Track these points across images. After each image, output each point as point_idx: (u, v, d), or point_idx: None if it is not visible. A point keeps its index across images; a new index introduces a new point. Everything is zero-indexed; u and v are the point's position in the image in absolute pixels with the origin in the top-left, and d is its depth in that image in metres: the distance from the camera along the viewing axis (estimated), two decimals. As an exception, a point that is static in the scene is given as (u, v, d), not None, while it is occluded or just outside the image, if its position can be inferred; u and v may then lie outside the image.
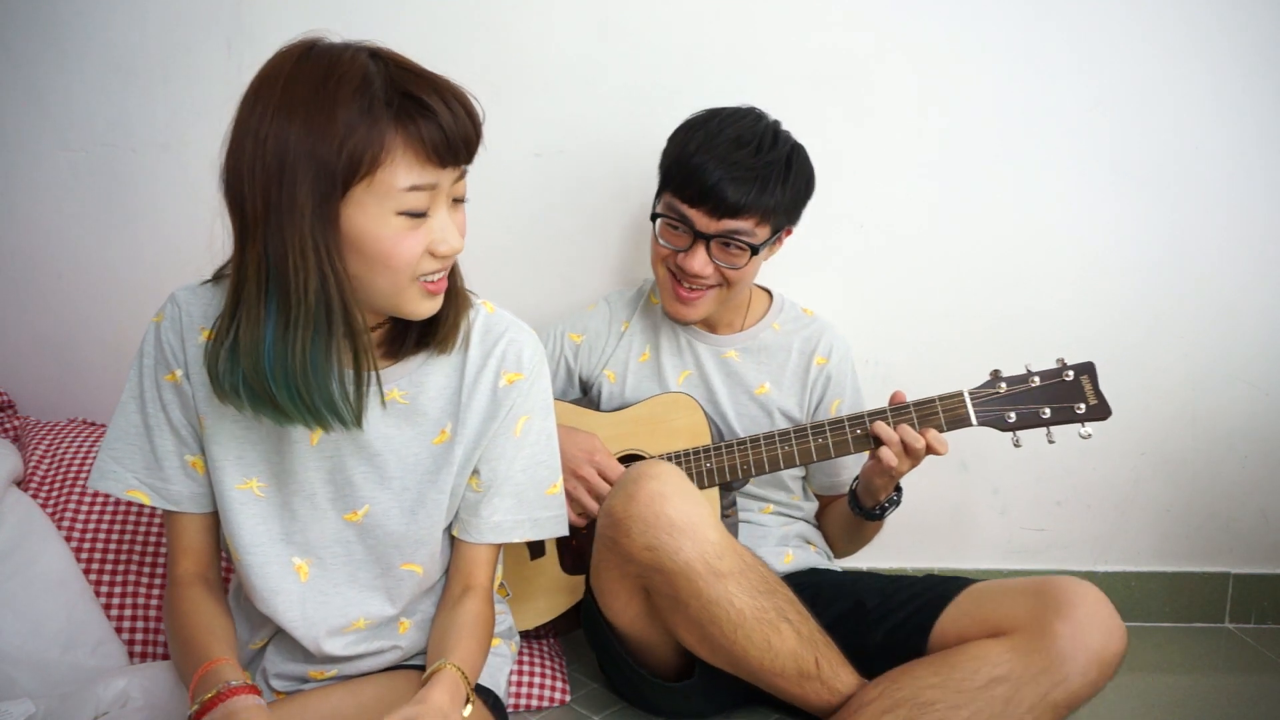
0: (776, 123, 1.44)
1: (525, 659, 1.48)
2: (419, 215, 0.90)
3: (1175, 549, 1.92)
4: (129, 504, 1.44)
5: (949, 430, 1.37)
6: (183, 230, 1.74)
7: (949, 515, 1.87)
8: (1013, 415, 1.36)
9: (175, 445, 1.03)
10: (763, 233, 1.39)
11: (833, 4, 1.71)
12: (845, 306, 1.78)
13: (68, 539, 1.39)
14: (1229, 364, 1.85)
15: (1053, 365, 1.38)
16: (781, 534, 1.52)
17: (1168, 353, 1.85)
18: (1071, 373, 1.37)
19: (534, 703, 1.45)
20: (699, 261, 1.39)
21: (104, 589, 1.37)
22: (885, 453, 1.33)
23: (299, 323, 0.88)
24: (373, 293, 0.93)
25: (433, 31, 1.69)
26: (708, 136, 1.37)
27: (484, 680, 1.17)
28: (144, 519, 1.43)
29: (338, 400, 0.92)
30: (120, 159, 1.72)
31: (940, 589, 1.28)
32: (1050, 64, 1.74)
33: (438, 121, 0.88)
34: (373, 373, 0.98)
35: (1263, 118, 1.77)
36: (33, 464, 1.49)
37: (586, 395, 1.58)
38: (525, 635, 1.51)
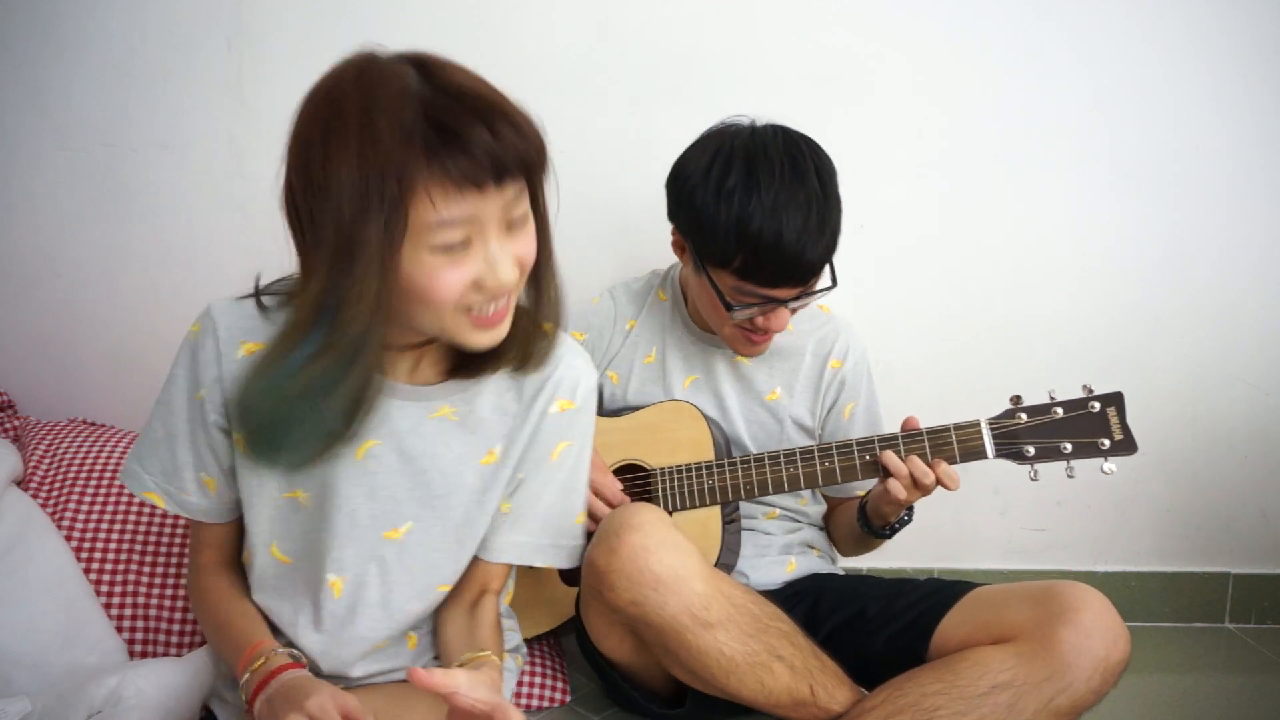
0: (793, 139, 1.32)
1: (525, 660, 1.48)
2: (455, 249, 0.84)
3: (1175, 549, 1.92)
4: (129, 505, 1.44)
5: (963, 461, 1.30)
6: (183, 230, 1.74)
7: (949, 515, 1.87)
8: (1031, 449, 1.29)
9: (193, 461, 1.01)
10: (826, 275, 1.34)
11: (832, 4, 1.71)
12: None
13: (68, 538, 1.39)
14: (1229, 364, 1.85)
15: (1078, 395, 1.30)
16: (785, 542, 1.48)
17: (1168, 353, 1.84)
18: (1098, 404, 1.30)
19: (534, 703, 1.45)
20: (782, 321, 1.34)
21: (104, 588, 1.37)
22: (893, 484, 1.27)
23: (328, 351, 0.85)
24: (421, 324, 0.90)
25: (433, 32, 1.69)
26: (769, 207, 1.25)
27: None
28: (144, 519, 1.43)
29: (308, 431, 0.89)
30: (120, 159, 1.72)
31: (942, 595, 1.27)
32: (1050, 64, 1.74)
33: (467, 147, 0.80)
34: (363, 418, 0.92)
35: (1263, 118, 1.77)
36: (33, 464, 1.49)
37: None
38: (525, 641, 1.50)
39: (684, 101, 1.74)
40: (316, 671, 1.06)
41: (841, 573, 1.52)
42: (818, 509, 1.57)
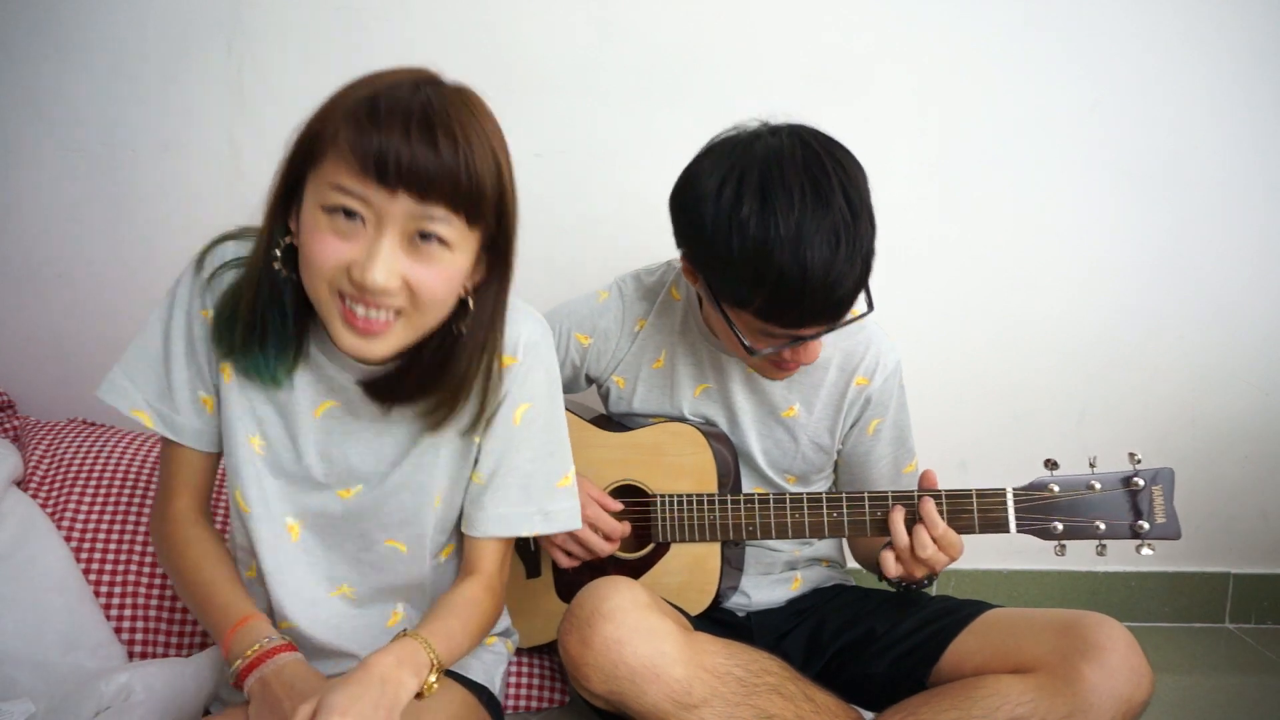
0: (814, 151, 1.13)
1: (524, 661, 1.48)
2: (349, 217, 0.86)
3: (1175, 549, 1.91)
4: (128, 505, 1.43)
5: (981, 532, 1.20)
6: (183, 230, 1.74)
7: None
8: (1060, 525, 1.17)
9: (190, 378, 1.02)
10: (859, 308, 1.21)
11: (832, 4, 1.71)
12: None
13: (67, 539, 1.39)
14: (1229, 364, 1.85)
15: (1123, 469, 1.17)
16: (792, 558, 1.41)
17: (1168, 353, 1.85)
18: (1142, 480, 1.16)
19: (533, 703, 1.45)
20: (813, 353, 1.21)
21: (104, 589, 1.37)
22: (887, 560, 1.19)
23: (250, 281, 0.94)
24: (308, 292, 0.92)
25: (433, 32, 1.69)
26: (791, 239, 1.08)
27: (479, 678, 1.15)
28: (144, 519, 1.43)
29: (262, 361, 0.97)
30: (120, 159, 1.72)
31: (953, 617, 1.23)
32: (1050, 65, 1.74)
33: (375, 139, 0.83)
34: (302, 341, 1.00)
35: (1262, 118, 1.77)
36: (32, 464, 1.49)
37: (593, 386, 1.48)
38: (523, 650, 1.48)
39: (683, 101, 1.74)
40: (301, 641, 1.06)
41: (849, 581, 1.47)
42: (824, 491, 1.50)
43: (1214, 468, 1.88)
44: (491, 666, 1.19)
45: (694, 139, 1.84)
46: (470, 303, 0.96)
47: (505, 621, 1.27)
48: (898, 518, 1.19)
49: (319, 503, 1.05)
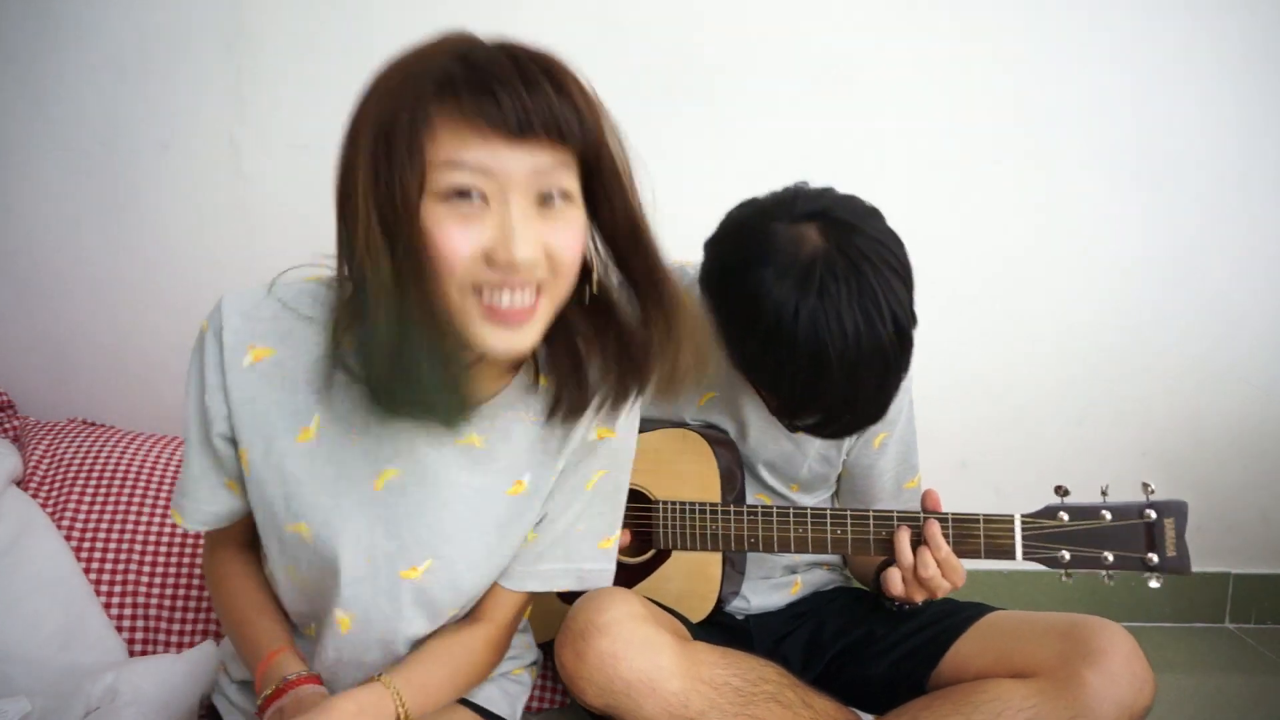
0: (866, 280, 1.08)
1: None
2: (467, 198, 0.75)
3: (1175, 549, 1.92)
4: (128, 504, 1.44)
5: (987, 558, 1.18)
6: (183, 230, 1.74)
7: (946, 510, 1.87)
8: (1067, 554, 1.15)
9: (212, 464, 0.92)
10: None
11: (833, 3, 1.71)
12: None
13: (67, 538, 1.39)
14: (1230, 364, 1.85)
15: (1135, 500, 1.15)
16: (791, 562, 1.40)
17: (1168, 353, 1.85)
18: (1155, 513, 1.13)
19: (533, 704, 1.45)
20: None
21: (104, 587, 1.37)
22: (892, 579, 1.18)
23: (378, 316, 0.76)
24: (435, 299, 0.78)
25: (431, 31, 1.69)
26: (847, 380, 1.07)
27: (503, 711, 1.11)
28: (143, 518, 1.43)
29: (429, 388, 0.78)
30: (120, 159, 1.72)
31: (953, 619, 1.23)
32: (1050, 64, 1.74)
33: (489, 87, 0.73)
34: (462, 371, 0.82)
35: (1264, 118, 1.77)
36: (32, 464, 1.49)
37: None
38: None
39: (683, 101, 1.74)
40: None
41: (850, 584, 1.46)
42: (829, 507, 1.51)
43: (1214, 468, 1.88)
44: (515, 697, 1.15)
45: (693, 139, 1.85)
46: (593, 262, 0.84)
47: (533, 653, 1.22)
48: (904, 538, 1.17)
49: (388, 586, 0.94)
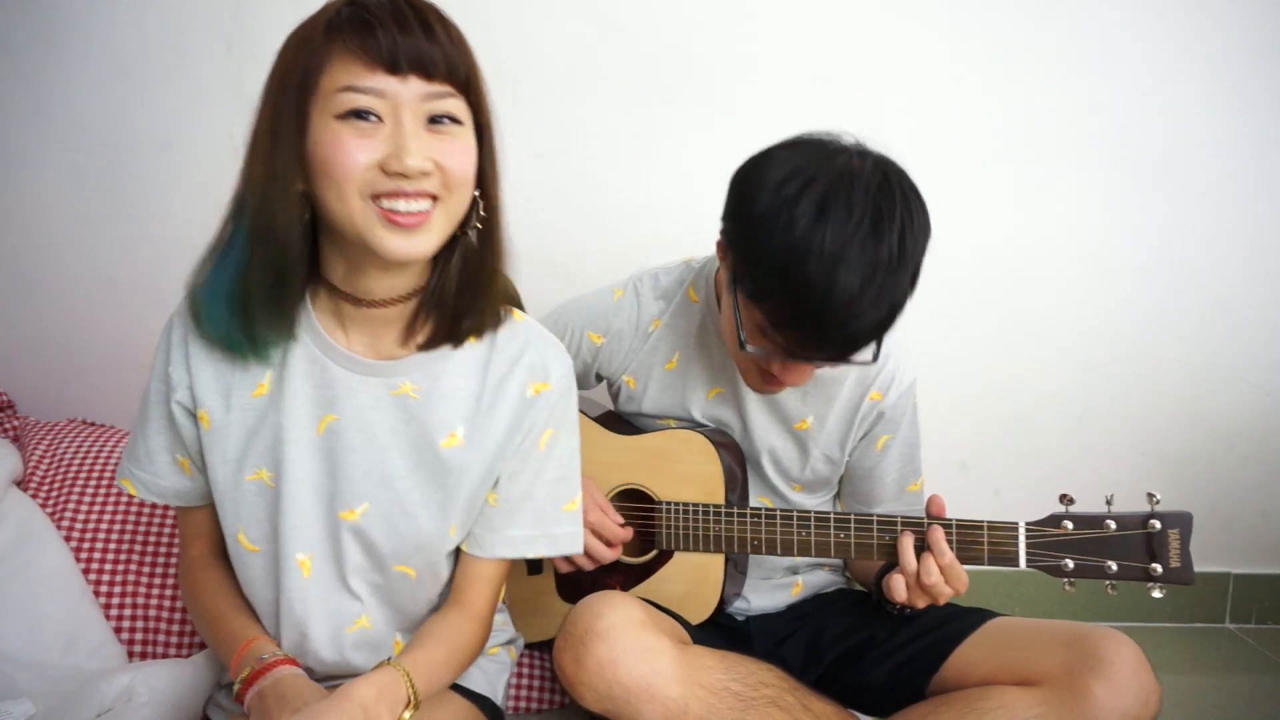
0: (890, 188, 1.10)
1: (524, 661, 1.48)
2: (363, 118, 0.85)
3: (1175, 549, 1.92)
4: (128, 505, 1.44)
5: (990, 564, 1.18)
6: (183, 230, 1.73)
7: (949, 515, 1.87)
8: (1070, 563, 1.15)
9: (168, 442, 1.02)
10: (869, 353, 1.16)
11: (832, 4, 1.71)
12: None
13: (67, 539, 1.39)
14: (1229, 364, 1.85)
15: (1140, 510, 1.14)
16: (793, 563, 1.39)
17: (1168, 352, 1.85)
18: (1159, 523, 1.13)
19: (533, 704, 1.45)
20: (801, 376, 1.18)
21: (104, 589, 1.37)
22: (898, 582, 1.16)
23: (241, 242, 0.93)
24: (334, 219, 0.89)
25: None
26: (830, 254, 1.04)
27: (482, 689, 1.14)
28: (143, 519, 1.43)
29: (262, 331, 0.93)
30: (120, 159, 1.72)
31: (953, 626, 1.22)
32: (1050, 64, 1.74)
33: (374, 31, 0.85)
34: (300, 307, 0.97)
35: (1264, 118, 1.77)
36: (32, 464, 1.49)
37: (603, 383, 1.46)
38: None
39: (683, 101, 1.74)
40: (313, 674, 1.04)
41: (851, 587, 1.46)
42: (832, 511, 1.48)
43: (1214, 468, 1.88)
44: (494, 676, 1.18)
45: (693, 139, 1.85)
46: (479, 198, 0.95)
47: (509, 631, 1.26)
48: (907, 543, 1.17)
49: (329, 527, 1.01)
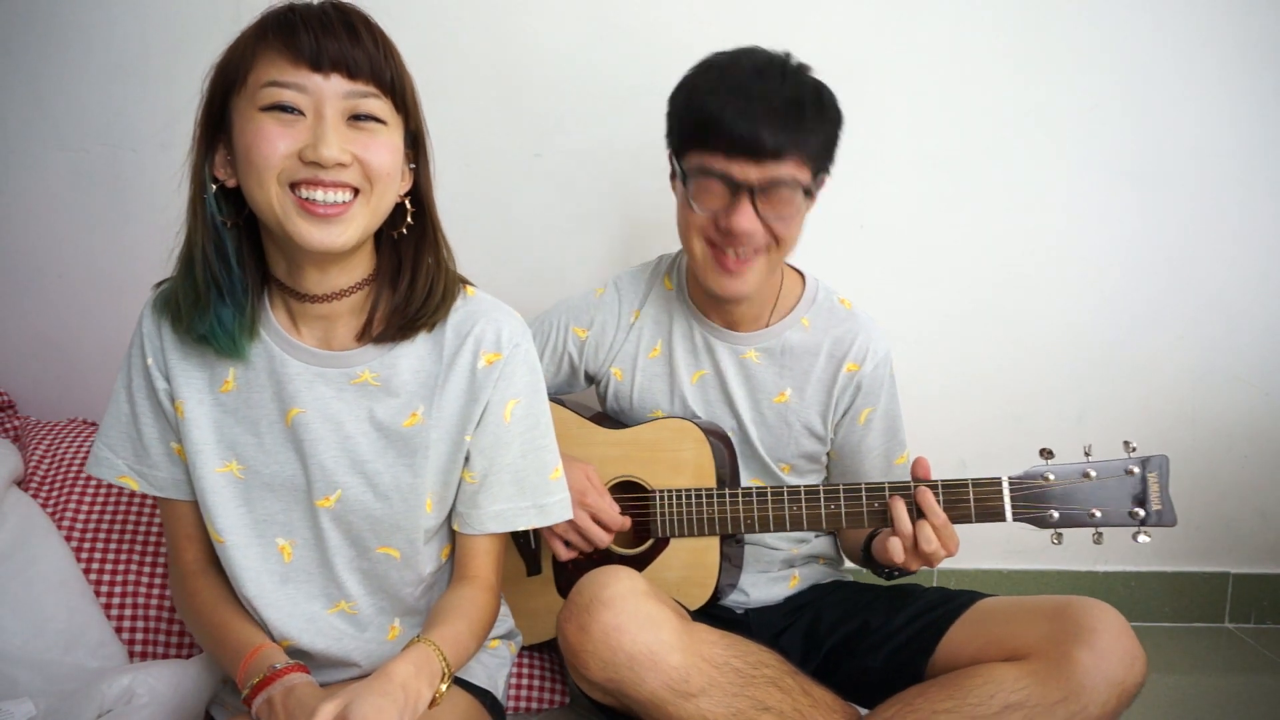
0: (787, 53, 1.26)
1: (524, 661, 1.48)
2: (287, 111, 0.90)
3: (1175, 549, 1.92)
4: (128, 504, 1.44)
5: (978, 522, 1.21)
6: (182, 230, 1.73)
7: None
8: (1056, 514, 1.17)
9: (160, 431, 1.04)
10: (805, 176, 1.22)
11: (833, 5, 1.71)
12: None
13: (67, 539, 1.39)
14: (1229, 364, 1.85)
15: (1118, 456, 1.18)
16: (789, 556, 1.42)
17: (1168, 352, 1.85)
18: (1138, 467, 1.17)
19: (533, 704, 1.45)
20: (746, 218, 1.21)
21: (104, 589, 1.37)
22: (895, 546, 1.18)
23: (194, 238, 0.98)
24: (258, 208, 0.93)
25: (432, 31, 1.69)
26: (724, 74, 1.21)
27: (482, 682, 1.15)
28: (144, 519, 1.43)
29: (222, 319, 0.97)
30: (120, 159, 1.72)
31: (946, 607, 1.24)
32: (1050, 64, 1.74)
33: (297, 31, 0.89)
34: (259, 297, 1.01)
35: (1264, 118, 1.77)
36: (33, 464, 1.49)
37: (593, 385, 1.49)
38: (521, 649, 1.48)
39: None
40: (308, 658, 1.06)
41: (846, 578, 1.48)
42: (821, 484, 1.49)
43: (1214, 467, 1.88)
44: (494, 670, 1.19)
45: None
46: (408, 205, 1.00)
47: (508, 623, 1.27)
48: (900, 506, 1.19)
49: (307, 515, 1.04)
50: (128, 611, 1.37)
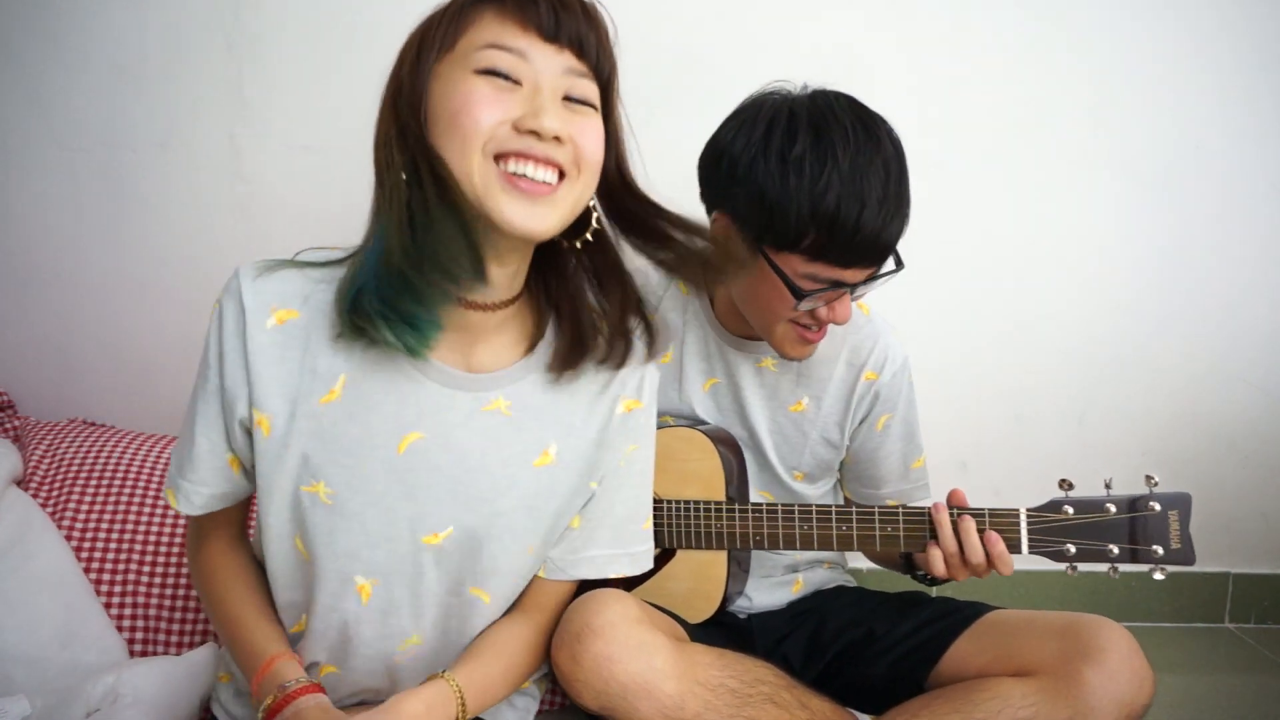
0: (858, 101, 1.18)
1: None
2: (503, 78, 0.81)
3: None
4: (129, 504, 1.44)
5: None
6: (183, 230, 1.74)
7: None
8: (1073, 548, 1.15)
9: (216, 440, 0.91)
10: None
11: (832, 2, 1.71)
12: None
13: (67, 538, 1.39)
14: (1229, 364, 1.85)
15: (1139, 492, 1.15)
16: (792, 560, 1.40)
17: (1169, 353, 1.85)
18: (1159, 505, 1.14)
19: (534, 703, 1.45)
20: (845, 310, 1.18)
21: (104, 587, 1.37)
22: (935, 556, 1.15)
23: (395, 204, 0.82)
24: (453, 181, 0.81)
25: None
26: (848, 174, 1.09)
27: None
28: (144, 519, 1.43)
29: (457, 256, 0.81)
30: (120, 159, 1.72)
31: (952, 618, 1.23)
32: (1051, 64, 1.74)
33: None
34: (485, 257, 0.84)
35: (1264, 118, 1.77)
36: (33, 464, 1.49)
37: None
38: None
39: (684, 101, 1.73)
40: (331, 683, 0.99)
41: (851, 583, 1.46)
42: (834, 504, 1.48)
43: (1214, 468, 1.88)
44: (524, 712, 1.15)
45: (694, 139, 1.85)
46: (596, 209, 0.91)
47: (544, 666, 1.20)
48: (945, 519, 1.15)
49: (408, 552, 0.93)
50: (127, 610, 1.37)
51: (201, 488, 0.93)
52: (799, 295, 1.15)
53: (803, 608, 1.39)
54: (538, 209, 0.82)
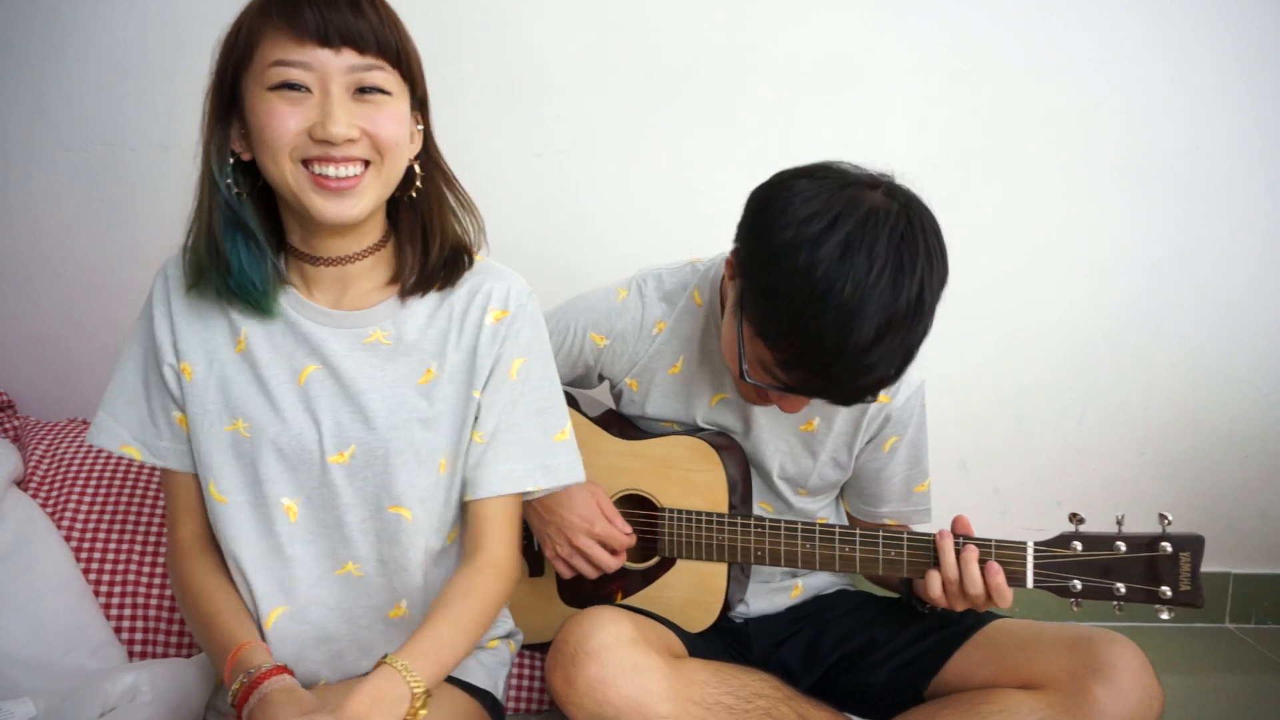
0: (914, 230, 1.08)
1: (524, 661, 1.48)
2: (294, 89, 0.92)
3: (1175, 549, 1.92)
4: (128, 504, 1.44)
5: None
6: (182, 229, 1.73)
7: (949, 515, 1.87)
8: (1079, 584, 1.12)
9: (163, 402, 1.05)
10: None
11: (831, 3, 1.71)
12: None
13: (67, 539, 1.39)
14: (1229, 364, 1.85)
15: (1152, 531, 1.11)
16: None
17: (1169, 353, 1.85)
18: (1170, 546, 1.10)
19: (533, 705, 1.45)
20: (796, 405, 1.19)
21: (103, 589, 1.37)
22: (934, 582, 1.13)
23: (205, 210, 0.99)
24: (274, 183, 0.96)
25: (433, 32, 1.68)
26: (848, 306, 1.02)
27: (482, 682, 1.13)
28: (143, 519, 1.43)
29: (251, 280, 0.99)
30: (120, 159, 1.72)
31: (953, 628, 1.22)
32: (1050, 64, 1.74)
33: (301, 8, 0.91)
34: (276, 259, 1.03)
35: (1264, 119, 1.77)
36: (32, 464, 1.49)
37: (604, 382, 1.45)
38: (520, 649, 1.47)
39: (683, 101, 1.74)
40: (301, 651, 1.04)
41: (851, 587, 1.45)
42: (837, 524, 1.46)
43: (1214, 468, 1.88)
44: (494, 671, 1.17)
45: (694, 139, 1.85)
46: (417, 168, 1.02)
47: (508, 624, 1.25)
48: (948, 546, 1.14)
49: (318, 473, 1.03)
50: (127, 611, 1.37)
51: (164, 442, 1.06)
52: (742, 375, 1.14)
53: (802, 612, 1.38)
54: (345, 201, 0.95)
